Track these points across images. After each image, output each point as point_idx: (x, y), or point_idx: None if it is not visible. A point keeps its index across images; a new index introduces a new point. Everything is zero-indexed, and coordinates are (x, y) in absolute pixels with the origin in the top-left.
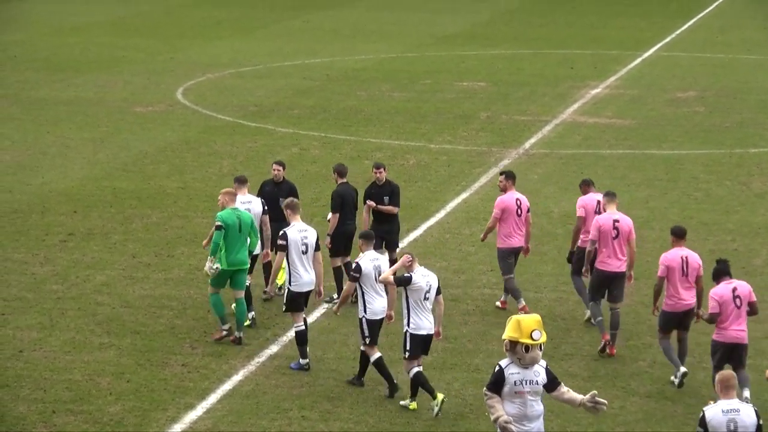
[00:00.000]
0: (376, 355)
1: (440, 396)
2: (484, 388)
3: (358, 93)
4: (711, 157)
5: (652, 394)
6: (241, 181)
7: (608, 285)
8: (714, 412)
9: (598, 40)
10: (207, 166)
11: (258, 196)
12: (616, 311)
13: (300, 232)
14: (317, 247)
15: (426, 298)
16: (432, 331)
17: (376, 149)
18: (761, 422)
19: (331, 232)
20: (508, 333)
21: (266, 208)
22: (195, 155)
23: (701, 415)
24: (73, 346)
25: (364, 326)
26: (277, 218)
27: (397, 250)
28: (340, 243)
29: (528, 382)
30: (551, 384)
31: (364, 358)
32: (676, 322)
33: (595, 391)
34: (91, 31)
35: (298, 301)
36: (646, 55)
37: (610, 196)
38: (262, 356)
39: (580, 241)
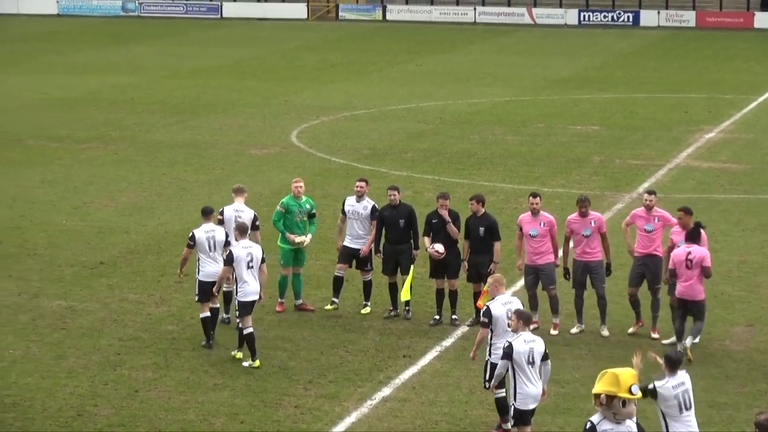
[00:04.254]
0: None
1: (257, 363)
2: None
3: (471, 136)
4: None
5: None
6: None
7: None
8: (495, 305)
9: (713, 83)
10: (321, 208)
11: (379, 221)
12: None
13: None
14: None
15: (250, 267)
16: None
17: (489, 192)
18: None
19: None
20: (605, 387)
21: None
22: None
23: (486, 308)
24: (187, 387)
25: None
26: (398, 241)
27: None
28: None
29: None
30: None
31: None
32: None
33: None
34: (208, 74)
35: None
36: (761, 99)
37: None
38: (375, 398)
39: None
